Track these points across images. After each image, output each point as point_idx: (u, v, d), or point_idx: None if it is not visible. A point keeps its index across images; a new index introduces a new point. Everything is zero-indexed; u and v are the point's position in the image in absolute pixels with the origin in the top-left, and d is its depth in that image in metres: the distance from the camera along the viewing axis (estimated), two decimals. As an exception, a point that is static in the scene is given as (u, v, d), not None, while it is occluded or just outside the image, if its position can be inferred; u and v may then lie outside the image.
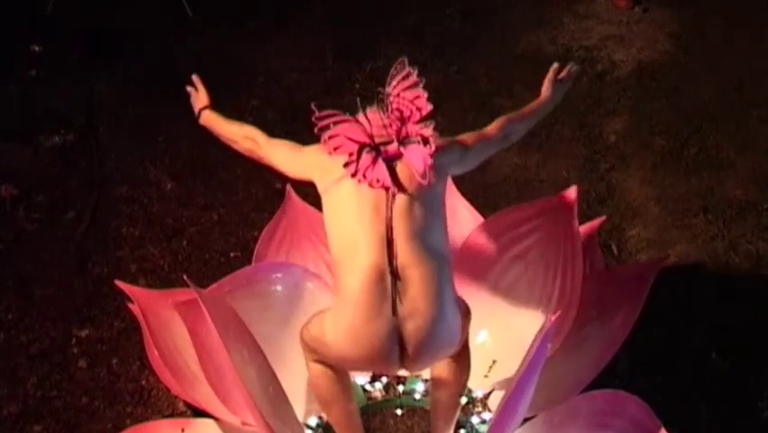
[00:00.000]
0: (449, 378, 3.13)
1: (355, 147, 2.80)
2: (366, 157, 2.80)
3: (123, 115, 4.83)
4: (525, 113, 3.20)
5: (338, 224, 2.87)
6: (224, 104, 4.75)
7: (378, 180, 2.79)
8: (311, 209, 3.68)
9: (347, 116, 2.86)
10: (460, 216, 3.68)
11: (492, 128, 3.10)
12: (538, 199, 3.62)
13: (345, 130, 2.84)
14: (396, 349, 2.82)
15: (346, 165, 2.80)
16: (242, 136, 3.18)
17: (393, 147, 2.84)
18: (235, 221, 4.29)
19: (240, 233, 4.23)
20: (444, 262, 2.86)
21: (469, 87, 4.89)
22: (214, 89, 4.81)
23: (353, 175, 2.79)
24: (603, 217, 3.80)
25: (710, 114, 4.69)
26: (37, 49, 5.19)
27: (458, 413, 3.24)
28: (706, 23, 5.20)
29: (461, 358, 3.11)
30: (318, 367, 3.08)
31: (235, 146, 3.22)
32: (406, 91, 2.89)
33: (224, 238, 4.22)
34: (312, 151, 2.98)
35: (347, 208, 2.84)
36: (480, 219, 3.66)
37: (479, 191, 4.22)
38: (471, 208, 3.71)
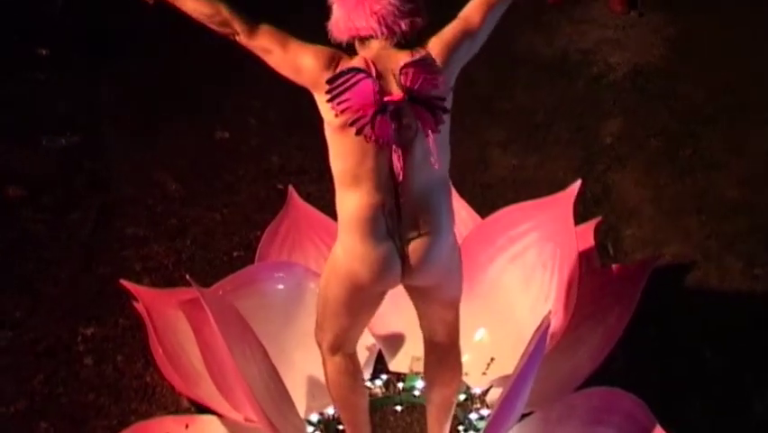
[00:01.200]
0: (441, 379, 3.13)
1: (360, 106, 2.62)
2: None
3: (127, 117, 4.84)
4: None
5: (339, 150, 2.72)
6: (227, 104, 4.82)
7: (382, 137, 2.63)
8: (312, 210, 3.68)
9: (358, 75, 2.62)
10: (458, 216, 3.65)
11: None
12: (535, 200, 3.62)
13: (356, 94, 2.62)
14: (398, 265, 2.79)
15: (351, 124, 2.62)
16: (218, 22, 2.76)
17: (399, 97, 2.63)
18: (238, 221, 4.30)
19: (243, 233, 4.23)
20: (445, 185, 2.81)
21: (469, 90, 4.89)
22: (218, 90, 4.86)
23: (357, 133, 2.62)
24: (599, 218, 3.81)
25: (704, 116, 4.70)
26: (43, 52, 5.20)
27: (452, 412, 3.23)
28: (700, 27, 5.20)
29: (452, 360, 3.10)
30: (336, 363, 3.09)
31: (208, 26, 2.79)
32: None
33: (227, 238, 4.22)
34: (309, 64, 2.69)
35: (349, 141, 2.68)
36: (479, 219, 3.67)
37: (477, 192, 4.23)
38: (470, 209, 3.72)
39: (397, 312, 3.16)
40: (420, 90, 2.63)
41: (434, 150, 2.69)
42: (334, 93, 2.63)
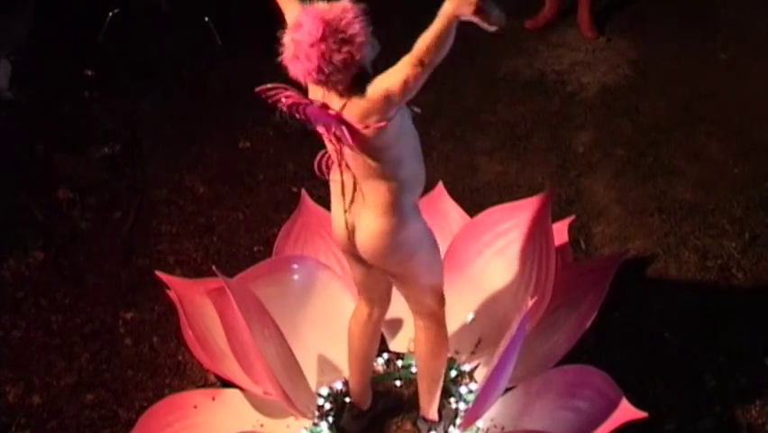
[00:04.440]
0: (428, 354, 3.10)
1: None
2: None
3: (163, 130, 4.81)
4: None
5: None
6: (248, 118, 4.80)
7: (308, 120, 2.66)
8: (322, 210, 3.65)
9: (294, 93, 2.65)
10: (449, 215, 3.66)
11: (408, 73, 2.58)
12: (517, 201, 3.59)
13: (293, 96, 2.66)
14: (346, 233, 2.86)
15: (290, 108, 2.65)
16: None
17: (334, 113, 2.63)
18: (258, 220, 4.27)
19: (262, 230, 4.20)
20: (387, 181, 2.73)
21: (459, 105, 4.87)
22: (241, 107, 4.84)
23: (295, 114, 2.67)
24: (572, 217, 3.78)
25: (664, 128, 4.67)
26: (90, 73, 5.18)
27: (440, 384, 3.20)
28: (660, 51, 5.18)
29: (434, 336, 3.07)
30: (356, 308, 3.14)
31: None
32: None
33: (248, 235, 4.19)
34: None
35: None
36: (467, 218, 3.64)
37: (466, 194, 4.21)
38: (459, 209, 3.70)
39: (396, 299, 3.12)
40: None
41: (354, 155, 2.70)
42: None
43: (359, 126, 2.62)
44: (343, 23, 2.52)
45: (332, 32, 2.51)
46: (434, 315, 3.04)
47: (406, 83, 2.56)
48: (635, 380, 3.32)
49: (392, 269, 2.91)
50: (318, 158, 2.83)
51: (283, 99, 2.66)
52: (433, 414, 3.24)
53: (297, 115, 2.65)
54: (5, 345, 3.75)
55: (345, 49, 2.52)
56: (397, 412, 3.37)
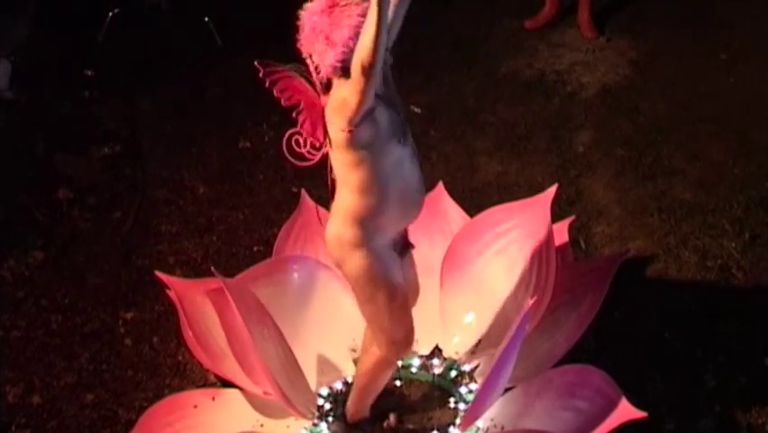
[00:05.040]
0: (367, 369, 3.10)
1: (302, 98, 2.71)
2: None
3: (163, 130, 4.81)
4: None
5: None
6: (248, 118, 4.80)
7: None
8: (322, 210, 3.65)
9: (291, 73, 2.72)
10: (450, 215, 3.66)
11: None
12: (517, 201, 3.59)
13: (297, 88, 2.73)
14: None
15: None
16: None
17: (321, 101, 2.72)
18: (258, 220, 4.27)
19: (262, 230, 4.20)
20: (354, 195, 2.74)
21: (458, 105, 4.88)
22: (241, 107, 4.84)
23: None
24: (573, 217, 3.78)
25: (664, 128, 4.67)
26: (90, 73, 5.18)
27: (368, 399, 3.19)
28: (660, 51, 5.18)
29: (377, 363, 3.05)
30: None
31: None
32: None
33: (248, 235, 4.19)
34: None
35: None
36: (468, 218, 3.64)
37: (466, 194, 4.20)
38: (460, 209, 3.69)
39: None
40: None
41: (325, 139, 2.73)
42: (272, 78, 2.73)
43: (327, 121, 2.66)
44: (346, 12, 2.57)
45: (333, 15, 2.58)
46: (369, 324, 3.01)
47: (355, 92, 2.58)
48: (635, 380, 3.31)
49: (339, 266, 2.92)
50: (287, 135, 2.79)
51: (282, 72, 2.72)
52: (351, 417, 3.22)
53: (272, 87, 2.69)
54: (5, 345, 3.75)
55: (334, 35, 2.57)
56: (398, 412, 3.37)
